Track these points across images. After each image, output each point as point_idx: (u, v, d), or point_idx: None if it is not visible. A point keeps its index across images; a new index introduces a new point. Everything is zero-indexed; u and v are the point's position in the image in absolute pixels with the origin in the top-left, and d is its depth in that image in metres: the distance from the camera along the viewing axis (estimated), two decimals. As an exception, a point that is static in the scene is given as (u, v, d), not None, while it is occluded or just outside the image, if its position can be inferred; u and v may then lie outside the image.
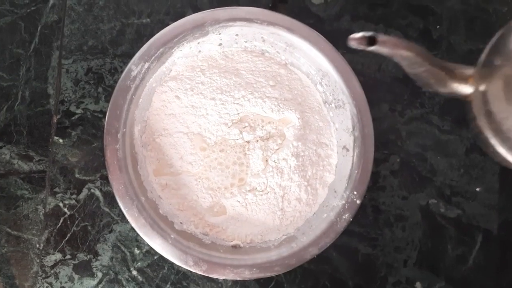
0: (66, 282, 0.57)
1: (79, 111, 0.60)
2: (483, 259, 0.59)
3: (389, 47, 0.33)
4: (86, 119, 0.60)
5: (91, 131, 0.60)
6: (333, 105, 0.57)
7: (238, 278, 0.51)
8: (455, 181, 0.60)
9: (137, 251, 0.58)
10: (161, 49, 0.54)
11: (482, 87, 0.33)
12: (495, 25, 0.62)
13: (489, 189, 0.60)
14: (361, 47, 0.33)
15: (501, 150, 0.34)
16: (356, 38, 0.34)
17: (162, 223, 0.53)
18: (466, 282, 0.59)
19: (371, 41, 0.33)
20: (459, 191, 0.60)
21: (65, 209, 0.58)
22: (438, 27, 0.62)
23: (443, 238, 0.59)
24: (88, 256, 0.58)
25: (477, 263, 0.59)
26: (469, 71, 0.35)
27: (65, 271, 0.57)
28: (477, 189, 0.60)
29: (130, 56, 0.54)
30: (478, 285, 0.59)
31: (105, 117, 0.54)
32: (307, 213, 0.55)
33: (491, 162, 0.61)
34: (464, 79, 0.35)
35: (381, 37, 0.33)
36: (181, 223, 0.54)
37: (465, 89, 0.36)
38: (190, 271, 0.54)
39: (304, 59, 0.57)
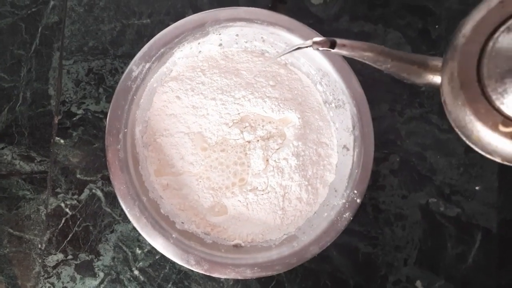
0: (68, 282, 0.57)
1: (80, 111, 0.60)
2: (482, 258, 0.59)
3: (348, 50, 0.37)
4: (87, 119, 0.60)
5: (92, 131, 0.60)
6: (333, 104, 0.57)
7: (239, 277, 0.52)
8: (454, 180, 0.60)
9: (138, 251, 0.58)
10: (162, 50, 0.54)
11: (441, 79, 0.35)
12: (493, 24, 0.63)
13: (488, 187, 0.60)
14: (324, 49, 0.37)
15: (463, 138, 0.35)
16: (318, 42, 0.37)
17: (164, 223, 0.53)
18: (466, 280, 0.59)
19: (332, 44, 0.37)
20: (459, 190, 0.60)
21: (67, 210, 0.58)
22: (436, 27, 0.63)
23: (443, 236, 0.60)
24: (90, 256, 0.58)
25: (477, 261, 0.59)
26: (439, 62, 0.36)
27: (67, 271, 0.58)
28: (477, 188, 0.60)
29: (131, 56, 0.54)
30: (477, 283, 0.59)
31: (106, 117, 0.54)
32: (308, 212, 0.56)
33: (490, 161, 0.61)
34: (437, 71, 0.37)
35: (340, 40, 0.37)
36: (182, 222, 0.55)
37: (438, 80, 0.37)
38: (192, 271, 0.54)
39: (304, 59, 0.57)
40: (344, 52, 0.37)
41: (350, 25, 0.63)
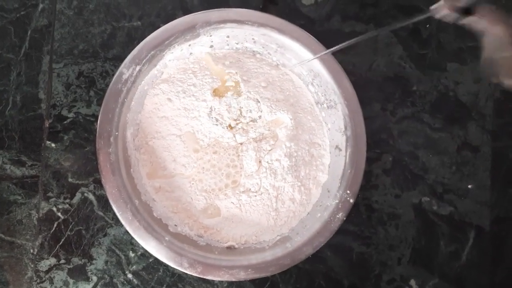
0: (61, 287, 0.57)
1: (71, 115, 0.60)
2: (475, 255, 0.60)
3: (487, 21, 0.31)
4: (78, 123, 0.60)
5: (83, 135, 0.59)
6: (325, 105, 0.57)
7: (233, 279, 0.51)
8: (447, 179, 0.61)
9: (132, 254, 0.58)
10: (152, 52, 0.54)
11: None
12: (483, 23, 0.63)
13: (480, 186, 0.61)
14: (453, 15, 0.30)
15: None
16: (449, 4, 0.30)
17: (157, 226, 0.53)
18: (460, 278, 0.59)
19: (467, 10, 0.30)
20: (451, 189, 0.61)
21: (59, 214, 0.58)
22: (427, 26, 0.63)
23: (436, 235, 0.60)
24: (83, 260, 0.57)
25: (470, 259, 0.60)
26: None
27: (60, 276, 0.57)
28: (469, 186, 0.61)
29: (121, 59, 0.54)
30: (471, 281, 0.60)
31: (97, 120, 0.54)
32: (301, 213, 0.56)
33: (482, 159, 0.61)
34: None
35: (482, 8, 0.30)
36: (175, 225, 0.54)
37: None
38: (185, 273, 0.54)
39: (296, 60, 0.57)
40: (478, 24, 0.30)
41: (341, 25, 0.63)
